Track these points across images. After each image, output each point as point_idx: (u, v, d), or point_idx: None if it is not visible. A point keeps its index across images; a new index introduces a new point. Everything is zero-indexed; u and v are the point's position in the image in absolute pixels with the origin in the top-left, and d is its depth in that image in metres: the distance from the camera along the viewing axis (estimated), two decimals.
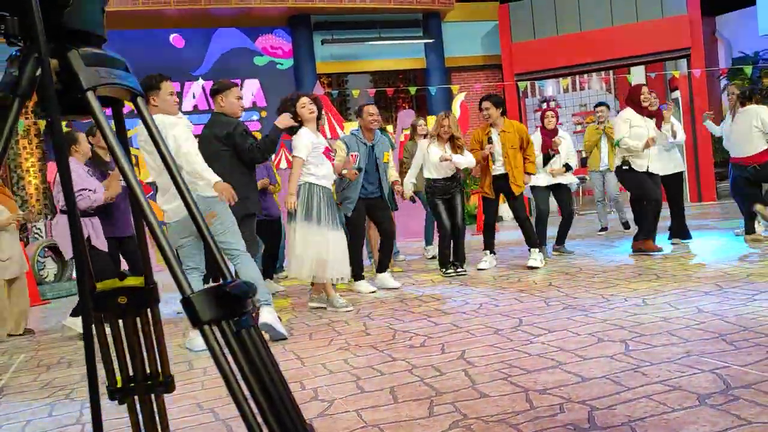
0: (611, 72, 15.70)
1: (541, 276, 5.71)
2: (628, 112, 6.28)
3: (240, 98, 4.66)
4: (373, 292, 5.68)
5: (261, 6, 12.27)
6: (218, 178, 4.02)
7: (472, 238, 9.45)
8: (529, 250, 6.29)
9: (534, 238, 6.29)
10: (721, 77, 14.30)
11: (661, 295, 4.34)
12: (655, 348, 3.10)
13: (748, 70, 12.98)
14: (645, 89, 6.30)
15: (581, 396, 2.54)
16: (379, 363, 3.35)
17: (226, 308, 0.84)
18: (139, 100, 0.96)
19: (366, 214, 5.86)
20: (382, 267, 5.98)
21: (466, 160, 6.15)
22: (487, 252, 6.56)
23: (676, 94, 13.54)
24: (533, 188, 6.83)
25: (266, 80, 13.08)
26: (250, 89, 13.11)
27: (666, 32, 12.75)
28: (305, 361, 3.55)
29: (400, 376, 3.08)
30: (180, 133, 4.00)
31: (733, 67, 14.40)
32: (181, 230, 4.06)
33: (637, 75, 14.42)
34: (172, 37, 12.59)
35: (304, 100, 5.01)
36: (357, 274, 5.79)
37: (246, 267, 4.08)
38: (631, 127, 6.15)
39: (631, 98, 6.35)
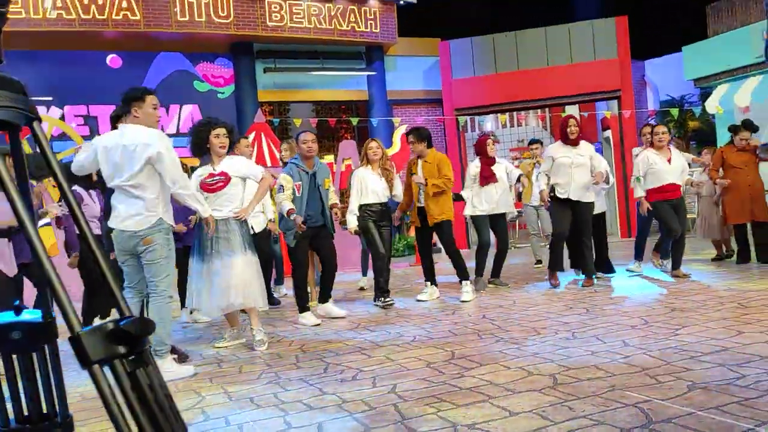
0: (547, 110, 16.21)
1: (475, 308, 5.74)
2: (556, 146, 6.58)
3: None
4: (317, 324, 5.50)
5: (203, 32, 12.15)
6: (206, 210, 4.27)
7: (412, 269, 9.49)
8: (460, 282, 6.29)
9: (464, 270, 6.27)
10: (650, 118, 14.96)
11: (590, 328, 4.43)
12: (582, 382, 3.14)
13: (675, 112, 13.64)
14: (572, 120, 6.55)
15: (509, 430, 2.53)
16: (308, 397, 3.27)
17: (119, 346, 0.79)
18: (35, 124, 0.90)
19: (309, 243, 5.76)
20: (324, 297, 5.86)
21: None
22: (428, 283, 6.50)
23: (608, 133, 14.06)
24: (473, 218, 6.89)
25: (206, 106, 12.90)
26: (189, 115, 12.89)
27: (598, 74, 13.29)
28: (232, 395, 3.44)
29: (330, 411, 3.01)
30: (171, 147, 4.02)
31: (661, 109, 15.11)
32: (118, 251, 3.99)
33: (572, 113, 14.92)
34: (109, 58, 12.29)
35: (219, 130, 4.79)
36: (302, 306, 5.63)
37: (160, 307, 3.96)
38: (554, 159, 6.42)
39: (560, 129, 6.60)
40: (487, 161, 6.87)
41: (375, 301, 6.22)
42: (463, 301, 6.11)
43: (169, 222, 4.03)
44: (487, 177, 6.79)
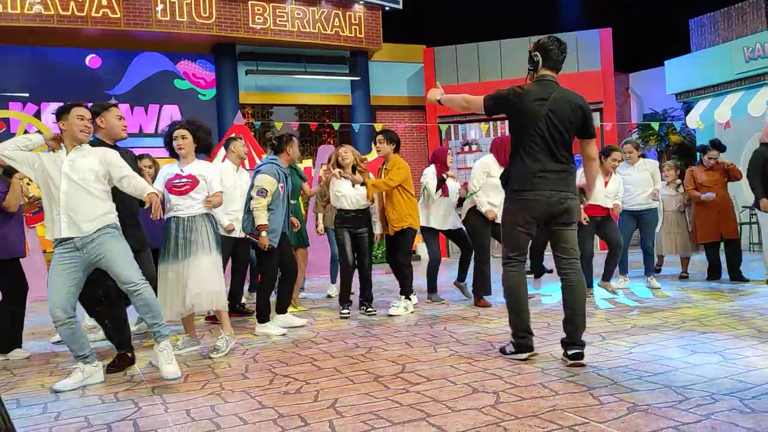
0: None
1: (437, 321, 5.67)
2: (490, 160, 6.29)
3: (121, 118, 4.29)
4: (283, 334, 5.35)
5: (185, 32, 12.05)
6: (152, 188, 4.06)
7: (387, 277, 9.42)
8: (399, 296, 6.18)
9: (407, 287, 6.12)
10: (631, 132, 14.99)
11: (547, 343, 4.36)
12: (525, 401, 3.07)
13: (656, 125, 13.67)
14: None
15: None
16: (245, 411, 3.18)
17: None
18: None
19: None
20: (281, 307, 5.70)
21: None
22: (402, 297, 6.19)
23: None
24: (424, 231, 6.63)
25: (187, 107, 12.78)
26: (169, 115, 12.77)
27: (581, 85, 13.12)
28: (169, 407, 3.34)
29: (263, 426, 2.93)
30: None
31: (642, 123, 15.14)
32: None
33: None
34: (88, 58, 12.16)
35: (178, 132, 4.70)
36: (263, 316, 5.47)
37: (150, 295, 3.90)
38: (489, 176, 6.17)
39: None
40: (442, 171, 6.66)
41: (340, 307, 6.12)
42: (389, 315, 5.98)
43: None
44: (443, 189, 6.59)
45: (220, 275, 4.70)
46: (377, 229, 6.22)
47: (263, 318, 5.48)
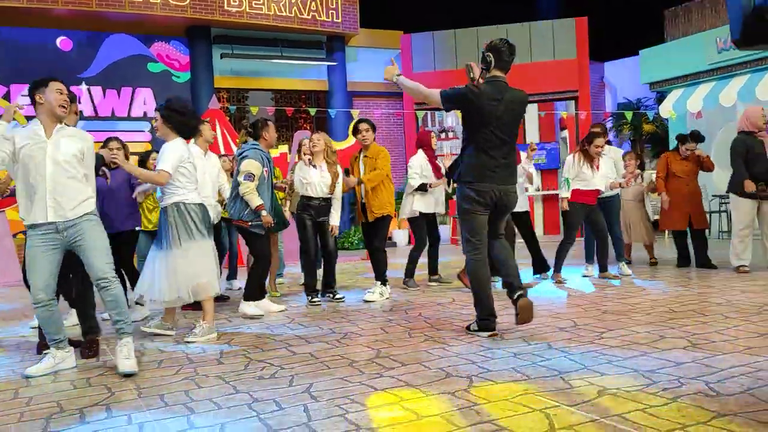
0: None
1: (412, 306, 5.71)
2: None
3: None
4: (260, 316, 5.41)
5: (158, 14, 11.84)
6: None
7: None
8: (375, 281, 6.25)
9: (382, 274, 6.19)
10: (605, 120, 15.14)
11: (518, 329, 4.42)
12: (497, 385, 3.12)
13: (629, 115, 13.82)
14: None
15: None
16: (219, 396, 3.18)
17: None
18: None
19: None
20: (259, 293, 5.71)
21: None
22: (378, 282, 6.23)
23: (565, 133, 14.20)
24: (413, 218, 6.72)
25: (160, 89, 12.59)
26: (142, 98, 12.58)
27: (556, 74, 13.38)
28: (143, 392, 3.33)
29: (237, 411, 2.93)
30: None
31: (616, 111, 15.29)
32: None
33: (530, 112, 15.02)
34: (59, 40, 11.90)
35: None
36: (251, 295, 5.53)
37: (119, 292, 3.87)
38: None
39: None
40: (433, 155, 6.79)
41: (307, 297, 6.11)
42: (365, 301, 6.04)
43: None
44: (438, 172, 6.69)
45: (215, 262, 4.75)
46: (333, 221, 6.13)
47: (250, 296, 5.50)
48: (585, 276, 7.09)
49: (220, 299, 6.41)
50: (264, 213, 5.33)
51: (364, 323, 4.98)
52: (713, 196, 11.83)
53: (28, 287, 3.86)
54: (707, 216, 7.89)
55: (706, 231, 7.69)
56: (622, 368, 3.31)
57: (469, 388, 3.09)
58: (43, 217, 3.70)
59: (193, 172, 4.69)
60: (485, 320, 4.26)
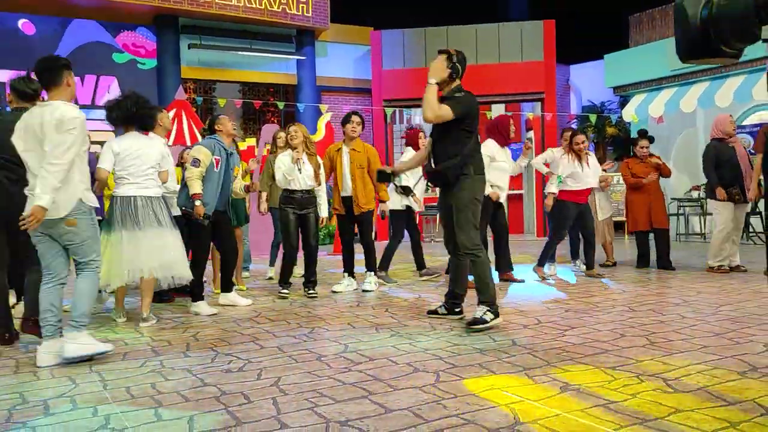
0: None
1: (379, 302, 5.75)
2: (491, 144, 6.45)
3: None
4: (214, 314, 5.32)
5: (124, 1, 11.63)
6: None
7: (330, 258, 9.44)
8: (365, 272, 6.39)
9: (373, 263, 6.39)
10: (570, 122, 15.41)
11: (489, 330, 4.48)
12: (463, 380, 3.17)
13: (593, 117, 14.09)
14: (511, 121, 6.62)
15: (380, 428, 2.53)
16: (187, 389, 3.17)
17: None
18: None
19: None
20: (227, 286, 5.69)
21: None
22: (346, 274, 6.37)
23: (531, 134, 14.42)
24: (395, 212, 6.92)
25: (126, 78, 12.36)
26: (107, 87, 12.34)
27: (524, 75, 13.58)
28: (108, 384, 3.29)
29: (205, 403, 2.93)
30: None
31: (581, 114, 15.58)
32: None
33: (497, 113, 15.21)
34: (21, 22, 11.59)
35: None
36: (198, 293, 5.41)
37: (83, 280, 3.81)
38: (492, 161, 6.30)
39: (497, 129, 6.52)
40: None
41: (279, 286, 6.10)
42: (364, 291, 6.20)
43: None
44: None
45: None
46: (323, 212, 6.23)
47: (197, 297, 5.42)
48: (573, 270, 7.51)
49: (184, 292, 6.35)
50: (198, 203, 5.19)
51: (332, 318, 5.00)
52: (672, 199, 12.15)
53: None
54: (667, 218, 8.08)
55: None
56: (584, 365, 3.40)
57: (436, 382, 3.14)
58: None
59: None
60: (496, 306, 4.48)
